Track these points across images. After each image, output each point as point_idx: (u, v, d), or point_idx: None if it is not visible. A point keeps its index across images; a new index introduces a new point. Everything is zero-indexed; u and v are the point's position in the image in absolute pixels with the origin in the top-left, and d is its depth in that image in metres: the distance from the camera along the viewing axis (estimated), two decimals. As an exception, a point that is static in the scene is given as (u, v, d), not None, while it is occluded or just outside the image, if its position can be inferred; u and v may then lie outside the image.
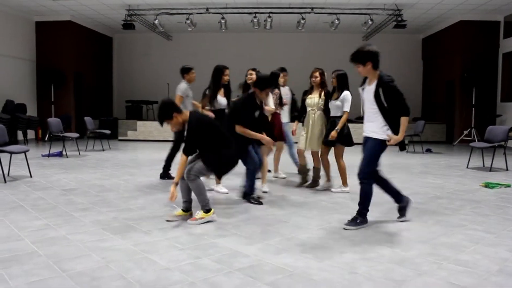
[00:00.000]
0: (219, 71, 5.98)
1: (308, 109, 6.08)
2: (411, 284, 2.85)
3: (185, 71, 6.63)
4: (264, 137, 5.19)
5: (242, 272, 3.02)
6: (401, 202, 4.44)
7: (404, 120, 4.11)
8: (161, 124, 4.34)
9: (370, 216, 4.52)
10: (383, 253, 3.46)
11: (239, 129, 5.06)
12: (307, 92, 6.21)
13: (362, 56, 4.14)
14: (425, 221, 4.44)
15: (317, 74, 6.04)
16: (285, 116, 6.80)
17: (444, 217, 4.64)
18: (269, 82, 5.16)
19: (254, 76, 5.94)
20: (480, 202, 5.41)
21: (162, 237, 3.80)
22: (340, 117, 5.82)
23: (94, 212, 4.66)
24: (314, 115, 6.02)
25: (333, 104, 5.87)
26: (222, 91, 6.06)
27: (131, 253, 3.37)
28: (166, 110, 4.28)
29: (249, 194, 5.26)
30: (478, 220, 4.50)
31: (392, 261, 3.26)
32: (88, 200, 5.29)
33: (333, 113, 5.89)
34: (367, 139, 4.26)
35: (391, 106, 4.10)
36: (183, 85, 6.49)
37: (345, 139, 5.95)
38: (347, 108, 5.83)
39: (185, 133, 4.32)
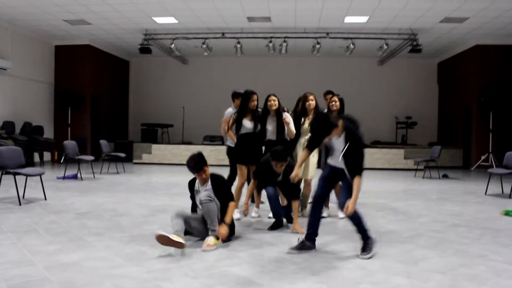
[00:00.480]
0: (246, 96, 5.91)
1: (308, 135, 5.86)
2: (431, 319, 2.75)
3: (235, 95, 6.51)
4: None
5: (255, 303, 2.95)
6: (312, 241, 4.28)
7: (358, 180, 3.93)
8: (197, 171, 4.59)
9: (387, 245, 4.45)
10: (400, 283, 3.35)
11: (252, 181, 5.40)
12: (299, 117, 6.02)
13: (326, 129, 3.90)
14: (444, 251, 4.31)
15: (312, 97, 5.97)
16: None
17: (464, 246, 4.51)
18: (277, 156, 4.98)
19: (276, 102, 5.88)
20: (501, 231, 5.26)
21: (175, 264, 3.75)
22: None
23: (107, 237, 4.63)
24: None
25: None
26: (249, 115, 5.97)
27: (144, 281, 3.32)
28: (204, 160, 4.62)
29: (277, 217, 5.30)
30: (499, 250, 4.37)
31: (410, 293, 3.16)
32: (102, 224, 5.27)
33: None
34: (342, 171, 4.12)
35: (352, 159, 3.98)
36: (229, 110, 6.47)
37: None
38: None
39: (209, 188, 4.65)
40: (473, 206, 7.02)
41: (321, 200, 4.32)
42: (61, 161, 13.55)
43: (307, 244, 4.24)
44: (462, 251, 4.31)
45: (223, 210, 4.55)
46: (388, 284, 3.35)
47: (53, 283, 3.23)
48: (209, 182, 4.68)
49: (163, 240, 4.02)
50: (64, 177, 9.66)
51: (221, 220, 4.49)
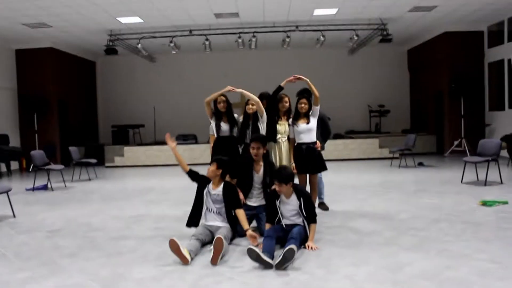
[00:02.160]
0: (214, 102, 5.85)
1: (278, 136, 5.93)
2: (422, 334, 2.70)
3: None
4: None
5: (241, 329, 2.84)
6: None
7: (314, 226, 4.62)
8: (227, 173, 4.99)
9: (370, 249, 4.41)
10: (388, 294, 3.30)
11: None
12: (272, 117, 5.95)
13: (290, 177, 4.60)
14: (427, 252, 4.29)
15: (286, 99, 5.99)
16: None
17: (446, 245, 4.50)
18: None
19: (255, 107, 5.72)
20: (481, 224, 5.29)
21: (155, 287, 3.60)
22: (314, 142, 5.74)
23: (81, 259, 4.44)
24: (285, 143, 5.93)
25: (303, 128, 5.72)
26: (225, 118, 5.87)
27: (122, 310, 3.17)
28: (228, 167, 5.02)
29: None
30: (481, 247, 4.37)
31: (398, 305, 3.11)
32: (75, 243, 5.07)
33: (305, 139, 5.72)
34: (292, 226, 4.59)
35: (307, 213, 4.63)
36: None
37: (324, 164, 5.92)
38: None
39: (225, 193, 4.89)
40: (451, 197, 7.07)
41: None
42: (30, 169, 13.12)
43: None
44: (445, 251, 4.30)
45: (230, 218, 4.87)
46: (375, 295, 3.29)
47: (25, 321, 3.05)
48: (221, 187, 4.90)
49: (174, 247, 4.14)
50: (33, 189, 9.33)
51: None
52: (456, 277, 3.61)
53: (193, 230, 4.84)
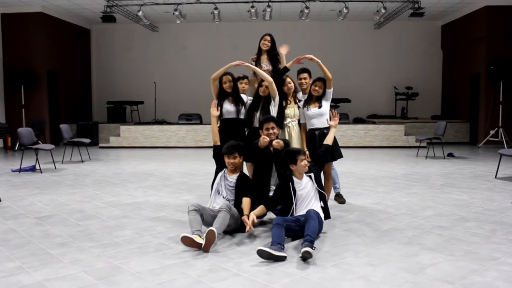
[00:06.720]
0: (219, 80, 5.97)
1: (287, 120, 6.06)
2: None
3: None
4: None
5: (246, 329, 2.97)
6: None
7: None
8: (226, 153, 5.19)
9: (389, 248, 4.51)
10: (406, 298, 3.41)
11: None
12: (280, 101, 6.06)
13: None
14: (451, 253, 4.39)
15: (290, 80, 6.10)
16: None
17: (473, 246, 4.59)
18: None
19: (268, 90, 5.83)
20: (513, 225, 5.37)
21: (154, 281, 3.74)
22: (328, 128, 5.81)
23: (74, 249, 4.60)
24: (295, 127, 6.07)
25: (314, 112, 5.87)
26: (230, 98, 5.99)
27: (119, 305, 3.32)
28: (240, 149, 5.27)
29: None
30: (512, 250, 4.47)
31: (417, 310, 3.21)
32: (67, 231, 5.23)
33: (317, 124, 5.89)
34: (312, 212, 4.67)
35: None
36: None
37: (339, 151, 6.10)
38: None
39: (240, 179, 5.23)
40: (482, 194, 7.14)
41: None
42: (16, 148, 13.35)
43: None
44: (472, 253, 4.39)
45: (238, 208, 5.08)
46: (392, 299, 3.40)
47: (15, 313, 3.21)
48: (236, 177, 5.24)
49: (187, 241, 4.43)
50: (20, 170, 9.53)
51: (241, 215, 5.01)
52: (482, 282, 3.70)
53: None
